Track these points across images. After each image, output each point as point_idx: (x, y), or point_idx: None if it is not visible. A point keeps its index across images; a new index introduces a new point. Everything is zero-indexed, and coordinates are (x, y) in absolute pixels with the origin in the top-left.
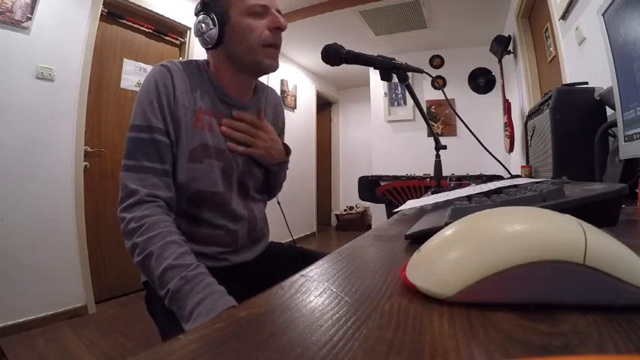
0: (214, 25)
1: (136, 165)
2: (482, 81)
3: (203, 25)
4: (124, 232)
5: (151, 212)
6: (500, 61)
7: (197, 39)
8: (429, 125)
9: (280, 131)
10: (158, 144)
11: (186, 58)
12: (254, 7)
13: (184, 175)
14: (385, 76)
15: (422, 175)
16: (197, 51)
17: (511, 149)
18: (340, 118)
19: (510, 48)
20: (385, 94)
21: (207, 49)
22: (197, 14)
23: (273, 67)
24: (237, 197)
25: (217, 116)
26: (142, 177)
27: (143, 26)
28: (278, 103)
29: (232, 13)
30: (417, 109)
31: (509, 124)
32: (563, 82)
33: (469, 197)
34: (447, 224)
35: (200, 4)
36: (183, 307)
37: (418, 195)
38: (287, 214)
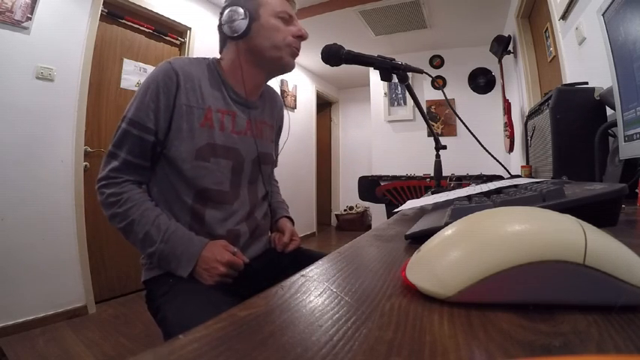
0: (246, 16)
1: (120, 155)
2: (482, 81)
3: (235, 15)
4: (103, 203)
5: (128, 189)
6: (500, 61)
7: (222, 27)
8: (429, 125)
9: (279, 129)
10: (144, 142)
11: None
12: (283, 13)
13: (190, 173)
14: (385, 76)
15: (422, 175)
16: (197, 51)
17: (511, 149)
18: (340, 118)
19: (510, 48)
20: (385, 94)
21: (229, 38)
22: (228, 5)
23: (292, 66)
24: (243, 195)
25: (231, 114)
26: (122, 167)
27: (143, 26)
28: (280, 105)
29: (262, 12)
30: (417, 109)
31: (509, 124)
32: (563, 82)
33: (469, 197)
34: (447, 224)
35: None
36: (171, 263)
37: (418, 195)
38: None
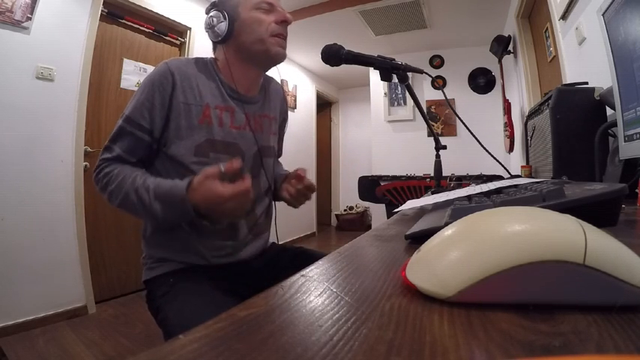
0: (224, 18)
1: (114, 150)
2: (482, 81)
3: (214, 18)
4: (101, 189)
5: (117, 166)
6: (500, 61)
7: (207, 33)
8: (429, 125)
9: (283, 122)
10: (138, 140)
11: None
12: (261, 4)
13: (189, 168)
14: (385, 77)
15: (422, 175)
16: (197, 51)
17: (511, 149)
18: (340, 118)
19: (510, 48)
20: (385, 94)
21: (216, 43)
22: (208, 12)
23: (282, 55)
24: None
25: (229, 110)
26: (115, 159)
27: (143, 26)
28: (282, 96)
29: (241, 10)
30: (417, 109)
31: (509, 124)
32: (563, 82)
33: (469, 197)
34: (447, 224)
35: (211, 4)
36: (175, 214)
37: (418, 195)
38: (287, 214)
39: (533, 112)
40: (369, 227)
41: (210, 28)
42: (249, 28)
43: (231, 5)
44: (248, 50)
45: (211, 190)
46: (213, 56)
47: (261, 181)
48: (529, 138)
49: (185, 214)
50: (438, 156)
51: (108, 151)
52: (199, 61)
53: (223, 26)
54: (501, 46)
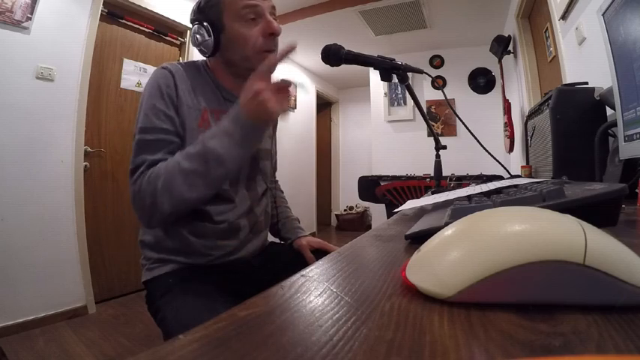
0: (209, 35)
1: (145, 159)
2: (482, 81)
3: (198, 36)
4: (140, 198)
5: (150, 171)
6: (500, 61)
7: (196, 48)
8: (429, 125)
9: (274, 125)
10: (167, 143)
11: (186, 58)
12: (246, 13)
13: None
14: (385, 77)
15: (422, 175)
16: (197, 51)
17: (511, 149)
18: (340, 118)
19: (510, 48)
20: (385, 94)
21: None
22: (192, 23)
23: None
24: (242, 192)
25: (225, 113)
26: (151, 164)
27: (143, 26)
28: None
29: (226, 20)
30: (417, 109)
31: (509, 124)
32: (563, 82)
33: (469, 197)
34: (447, 224)
35: (194, 12)
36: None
37: (418, 195)
38: None
39: (533, 112)
40: (369, 227)
41: (196, 45)
42: (234, 44)
43: (215, 13)
44: (235, 66)
45: (251, 82)
46: (205, 59)
47: (258, 184)
48: (529, 138)
49: (245, 130)
50: (438, 156)
51: (139, 166)
52: (192, 65)
53: (209, 43)
54: (501, 46)
